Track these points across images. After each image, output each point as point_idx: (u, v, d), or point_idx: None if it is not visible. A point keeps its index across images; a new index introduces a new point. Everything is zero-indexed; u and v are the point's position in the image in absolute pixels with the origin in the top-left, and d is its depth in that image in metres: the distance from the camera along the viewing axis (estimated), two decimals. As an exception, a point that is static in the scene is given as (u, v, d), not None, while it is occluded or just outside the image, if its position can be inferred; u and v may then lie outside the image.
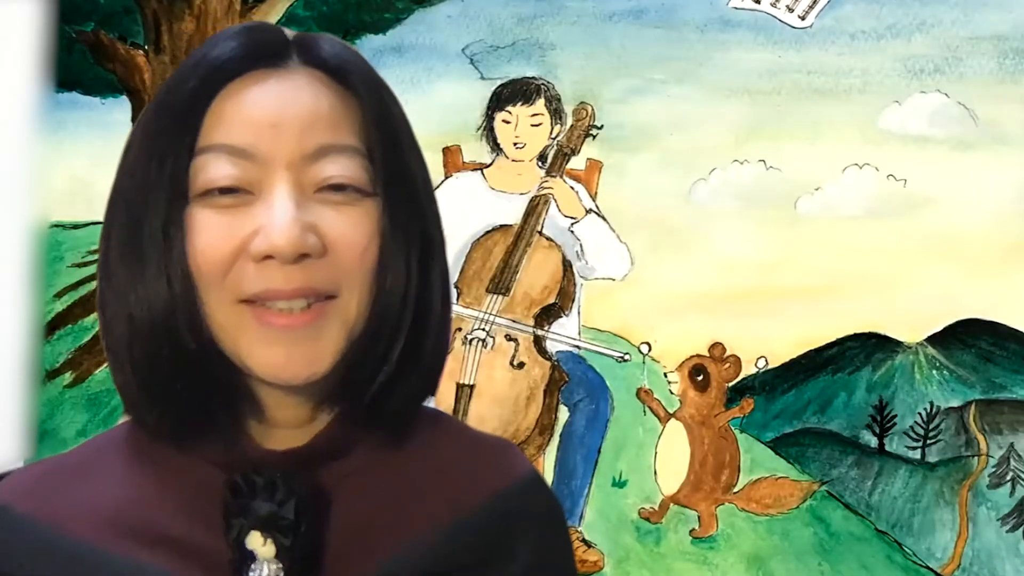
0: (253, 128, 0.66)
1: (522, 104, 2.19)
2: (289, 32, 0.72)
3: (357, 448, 0.72)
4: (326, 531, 0.68)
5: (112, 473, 0.71)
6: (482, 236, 2.19)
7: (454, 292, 2.18)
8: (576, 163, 2.19)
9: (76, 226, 2.27)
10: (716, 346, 2.12)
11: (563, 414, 2.17)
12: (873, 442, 2.08)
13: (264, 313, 0.65)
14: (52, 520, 0.68)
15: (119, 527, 0.68)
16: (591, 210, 2.18)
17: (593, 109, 2.17)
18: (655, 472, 2.13)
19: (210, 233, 0.65)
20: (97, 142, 2.26)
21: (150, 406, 0.68)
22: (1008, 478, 2.04)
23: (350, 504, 0.70)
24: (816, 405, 2.11)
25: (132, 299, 0.66)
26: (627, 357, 2.15)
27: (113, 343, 0.68)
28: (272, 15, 2.25)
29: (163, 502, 0.69)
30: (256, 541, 0.65)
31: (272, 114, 0.66)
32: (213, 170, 0.65)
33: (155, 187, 0.66)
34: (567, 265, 2.19)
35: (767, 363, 2.11)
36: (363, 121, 0.69)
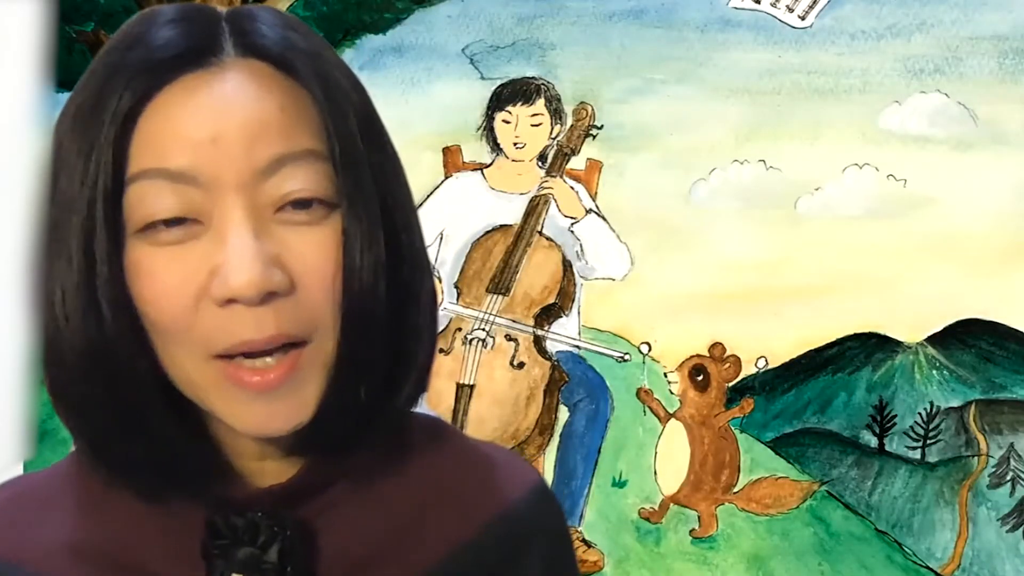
0: (191, 146, 0.56)
1: (522, 104, 2.19)
2: (223, 10, 0.62)
3: (346, 473, 0.65)
4: (317, 568, 0.63)
5: (83, 501, 0.65)
6: (482, 236, 2.19)
7: (454, 292, 2.18)
8: (576, 163, 2.19)
9: (76, 226, 2.27)
10: (716, 346, 2.12)
11: (563, 414, 2.17)
12: (873, 442, 2.08)
13: (237, 371, 0.58)
14: (11, 555, 0.63)
15: (90, 563, 0.62)
16: (591, 210, 2.18)
17: (593, 109, 2.17)
18: (655, 472, 2.13)
19: (162, 278, 0.56)
20: (97, 142, 2.26)
21: (110, 462, 0.60)
22: (1008, 478, 2.04)
23: (343, 536, 0.64)
24: (816, 405, 2.11)
25: (65, 345, 0.57)
26: (627, 357, 2.15)
27: (53, 387, 0.60)
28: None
29: (140, 536, 0.63)
30: None
31: (210, 127, 0.56)
32: (152, 202, 0.56)
33: (82, 218, 0.56)
34: (567, 265, 2.19)
35: (767, 363, 2.11)
36: (319, 116, 0.59)
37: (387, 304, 0.60)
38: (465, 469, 0.72)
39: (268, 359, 0.58)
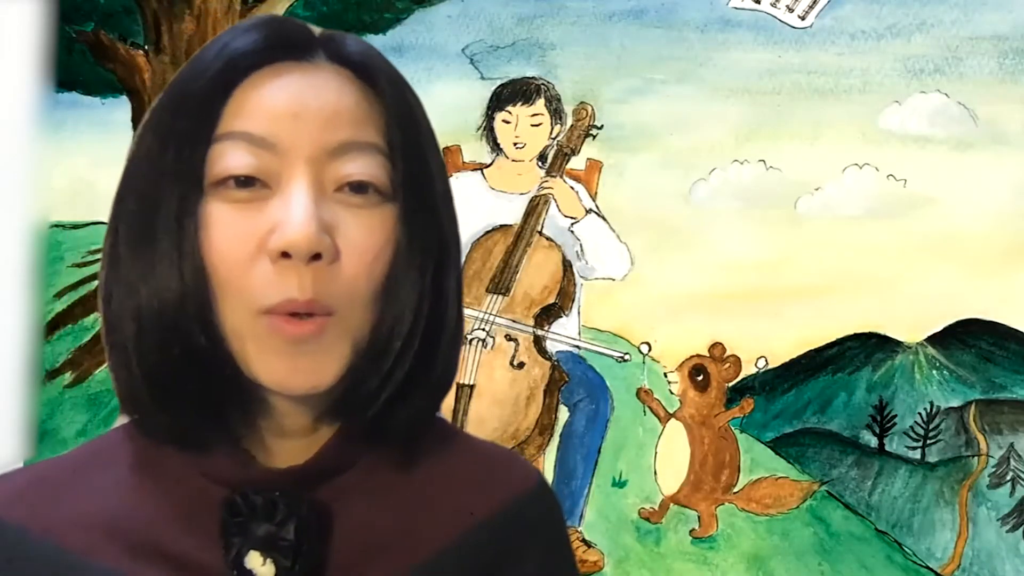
0: (275, 118, 0.63)
1: (522, 104, 2.19)
2: (315, 28, 0.70)
3: (360, 462, 0.69)
4: (329, 550, 0.66)
5: (108, 481, 0.68)
6: (482, 236, 2.19)
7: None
8: (576, 163, 2.19)
9: (76, 226, 2.27)
10: (716, 346, 2.12)
11: (563, 414, 2.17)
12: (873, 442, 2.08)
13: (278, 322, 0.63)
14: (42, 529, 0.65)
15: (114, 539, 0.65)
16: (591, 210, 2.18)
17: (593, 109, 2.17)
18: (655, 472, 2.13)
19: (227, 230, 0.63)
20: (97, 142, 2.26)
21: (156, 407, 0.65)
22: (1008, 478, 2.04)
23: (354, 521, 0.68)
24: (816, 405, 2.11)
25: (142, 292, 0.63)
26: (627, 357, 2.15)
27: (118, 339, 0.65)
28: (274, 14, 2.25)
29: (162, 515, 0.66)
30: (255, 561, 0.63)
31: (295, 105, 0.64)
32: (231, 158, 0.63)
33: (169, 175, 0.63)
34: (567, 265, 2.19)
35: (767, 363, 2.11)
36: (386, 120, 0.67)
37: (430, 298, 0.67)
38: (470, 465, 0.76)
39: (304, 316, 0.63)
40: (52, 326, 2.29)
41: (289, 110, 0.64)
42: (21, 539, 0.65)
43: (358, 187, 0.65)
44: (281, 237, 0.62)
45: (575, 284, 2.19)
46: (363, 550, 0.67)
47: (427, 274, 0.67)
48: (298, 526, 0.64)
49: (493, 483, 0.75)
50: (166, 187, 0.63)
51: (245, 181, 0.63)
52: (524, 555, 0.73)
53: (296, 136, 0.63)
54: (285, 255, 0.62)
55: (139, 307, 0.63)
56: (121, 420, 0.70)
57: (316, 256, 0.62)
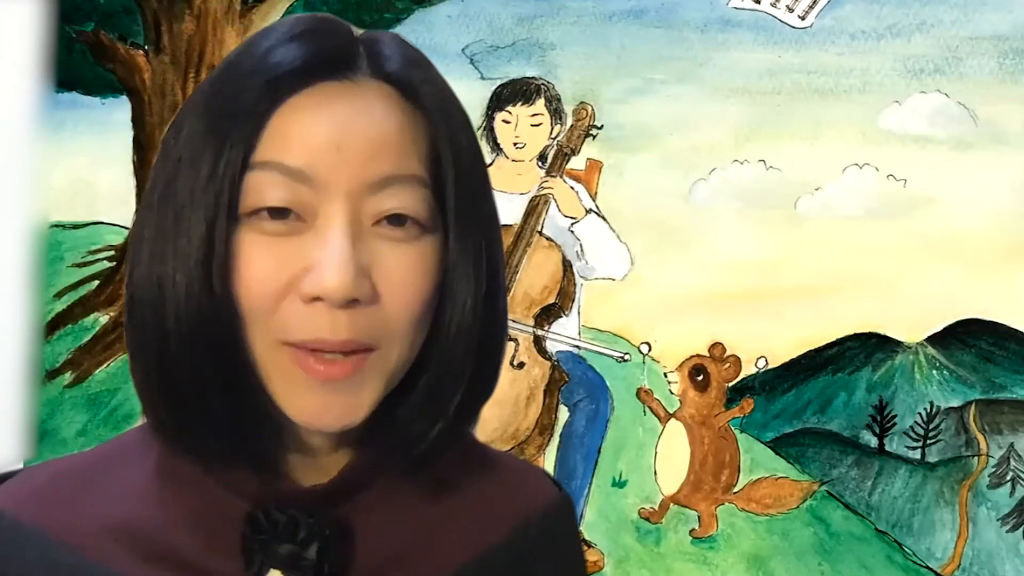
0: (315, 150, 0.60)
1: (522, 104, 2.19)
2: (356, 30, 0.66)
3: (381, 477, 0.68)
4: (351, 568, 0.65)
5: (126, 485, 0.66)
6: (482, 236, 2.19)
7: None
8: (576, 163, 2.19)
9: (76, 226, 2.27)
10: (716, 346, 2.12)
11: (563, 414, 2.17)
12: (873, 442, 2.08)
13: (306, 359, 0.61)
14: (57, 532, 0.64)
15: (130, 545, 0.64)
16: (591, 210, 2.18)
17: (593, 109, 2.17)
18: (655, 472, 2.13)
19: (259, 264, 0.60)
20: (97, 142, 2.26)
21: (178, 427, 0.63)
22: (1008, 478, 2.04)
23: (376, 539, 0.67)
24: (816, 405, 2.11)
25: (168, 314, 0.61)
26: (627, 357, 2.15)
27: (141, 354, 0.63)
28: (272, 15, 2.25)
29: (181, 524, 0.65)
30: None
31: (336, 136, 0.60)
32: (267, 191, 0.60)
33: (201, 198, 0.60)
34: (567, 265, 2.19)
35: (767, 363, 2.11)
36: (431, 147, 0.64)
37: (479, 330, 0.65)
38: (489, 479, 0.75)
39: (338, 355, 0.61)
40: (52, 326, 2.29)
41: (331, 142, 0.60)
42: (38, 541, 0.64)
43: (396, 219, 0.62)
44: (317, 283, 0.59)
45: (575, 284, 2.19)
46: (385, 566, 0.67)
47: (479, 303, 0.65)
48: (320, 547, 0.63)
49: (515, 497, 0.75)
50: (197, 209, 0.60)
51: (279, 212, 0.61)
52: (543, 567, 0.74)
53: (336, 170, 0.60)
54: (318, 298, 0.60)
55: (164, 329, 0.61)
56: (143, 419, 0.68)
57: (353, 301, 0.60)
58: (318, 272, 0.59)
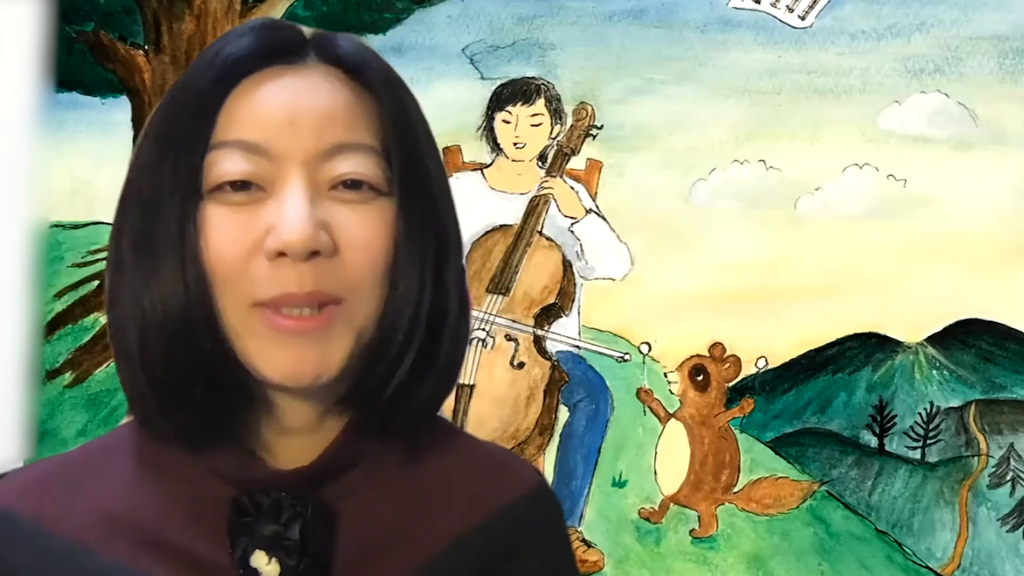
0: (268, 125, 0.65)
1: (522, 104, 2.19)
2: (307, 30, 0.70)
3: (364, 461, 0.70)
4: (334, 549, 0.67)
5: (116, 477, 0.69)
6: (482, 236, 2.19)
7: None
8: (576, 163, 2.19)
9: (76, 226, 2.27)
10: (716, 346, 2.12)
11: (563, 414, 2.17)
12: (873, 442, 2.08)
13: (275, 316, 0.64)
14: (51, 523, 0.66)
15: (122, 533, 0.66)
16: (591, 210, 2.18)
17: (593, 109, 2.17)
18: (655, 472, 2.13)
19: (223, 232, 0.64)
20: (97, 142, 2.26)
21: (163, 411, 0.66)
22: (1008, 478, 2.04)
23: (358, 520, 0.69)
24: (816, 405, 2.12)
25: (146, 300, 0.64)
26: (627, 357, 2.15)
27: (124, 345, 0.66)
28: (272, 15, 2.25)
29: (169, 511, 0.67)
30: (261, 560, 0.64)
31: (287, 111, 0.65)
32: (226, 165, 0.64)
33: (169, 184, 0.64)
34: (567, 265, 2.19)
35: (767, 363, 2.11)
36: (380, 120, 0.68)
37: (431, 291, 0.68)
38: (472, 465, 0.76)
39: (305, 309, 0.64)
40: (52, 326, 2.29)
41: (282, 116, 0.65)
42: (33, 531, 0.66)
43: (352, 184, 0.66)
44: (276, 237, 0.63)
45: (575, 284, 2.19)
46: (367, 548, 0.68)
47: (427, 267, 0.68)
48: (303, 526, 0.65)
49: (494, 483, 0.76)
50: (166, 195, 0.64)
51: (241, 185, 0.64)
52: (524, 555, 0.74)
53: (290, 141, 0.64)
54: (281, 254, 0.63)
55: (143, 315, 0.65)
56: (129, 417, 0.71)
57: (314, 253, 0.63)
58: (278, 228, 0.63)
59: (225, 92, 0.65)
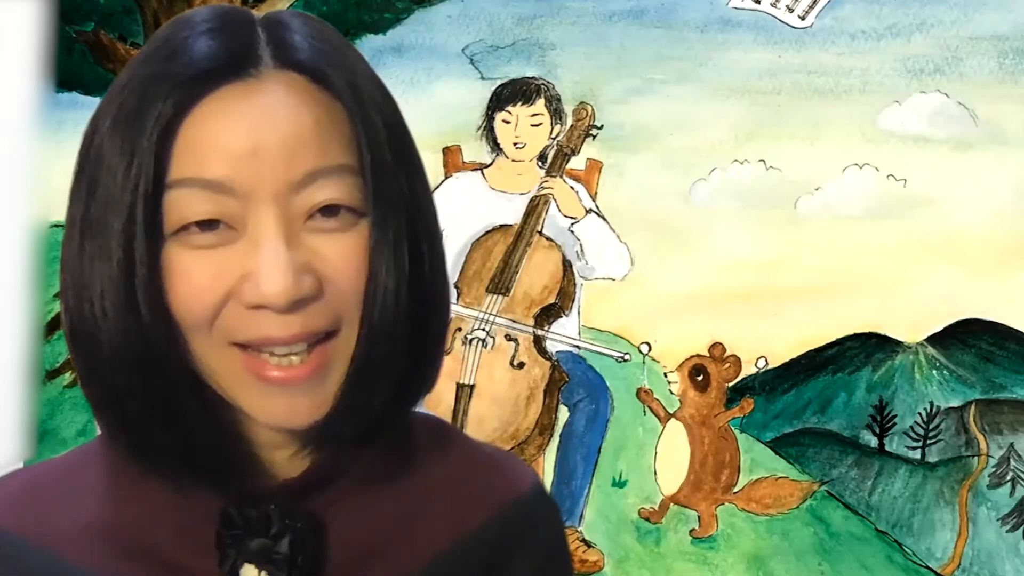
0: (230, 158, 0.58)
1: (522, 104, 2.19)
2: (256, 15, 0.64)
3: (355, 469, 0.68)
4: (325, 560, 0.66)
5: (97, 487, 0.67)
6: (482, 236, 2.19)
7: (454, 292, 2.18)
8: (576, 163, 2.19)
9: (76, 226, 2.27)
10: (716, 346, 2.12)
11: (563, 414, 2.17)
12: (873, 442, 2.08)
13: (261, 366, 0.60)
14: (36, 537, 0.65)
15: (107, 545, 0.64)
16: (591, 210, 2.18)
17: (593, 109, 2.17)
18: (655, 472, 2.13)
19: (193, 277, 0.59)
20: (97, 142, 2.25)
21: (137, 450, 0.63)
22: (1008, 478, 2.04)
23: (348, 530, 0.67)
24: (816, 405, 2.11)
25: (103, 337, 0.59)
26: (627, 357, 2.15)
27: (88, 377, 0.62)
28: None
29: (155, 522, 0.65)
30: (250, 574, 0.63)
31: (250, 140, 0.58)
32: (188, 206, 0.58)
33: (118, 219, 0.58)
34: (567, 265, 2.19)
35: (767, 363, 2.11)
36: (350, 130, 0.62)
37: (409, 310, 0.62)
38: (466, 468, 0.74)
39: (294, 357, 0.60)
40: (52, 326, 2.29)
41: (245, 148, 0.58)
42: (17, 548, 0.65)
43: (328, 210, 0.60)
44: (255, 290, 0.58)
45: (575, 284, 2.19)
46: (358, 558, 0.67)
47: (402, 289, 0.62)
48: (292, 539, 0.63)
49: (490, 486, 0.74)
50: (113, 231, 0.58)
51: (208, 224, 0.59)
52: (520, 559, 0.73)
53: (257, 176, 0.58)
54: (262, 307, 0.59)
55: (100, 356, 0.60)
56: None
57: (299, 301, 0.59)
58: (256, 281, 0.58)
59: (178, 119, 0.58)
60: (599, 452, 2.14)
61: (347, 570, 0.67)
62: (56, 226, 2.28)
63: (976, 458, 2.05)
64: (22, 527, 0.65)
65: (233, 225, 0.59)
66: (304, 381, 0.61)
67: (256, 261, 0.58)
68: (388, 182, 0.62)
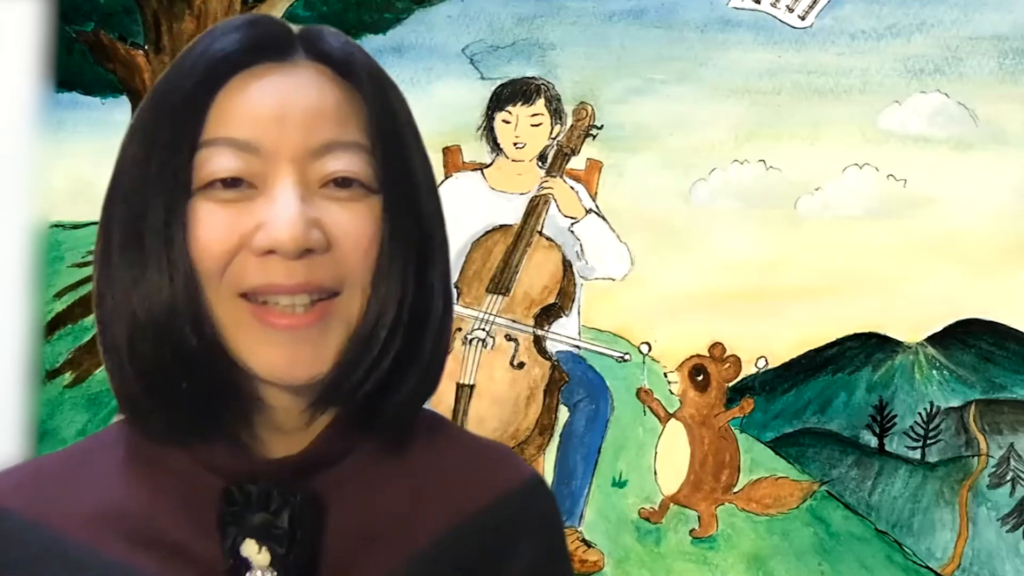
0: (258, 122, 0.65)
1: (522, 104, 2.19)
2: (294, 26, 0.71)
3: (354, 454, 0.71)
4: (323, 539, 0.68)
5: (107, 474, 0.70)
6: (482, 236, 2.19)
7: (454, 292, 2.18)
8: (576, 163, 2.19)
9: (76, 226, 2.27)
10: (716, 346, 2.12)
11: (563, 414, 2.17)
12: (873, 442, 2.08)
13: (266, 312, 0.64)
14: (44, 520, 0.67)
15: (114, 529, 0.66)
16: (591, 210, 2.18)
17: (593, 109, 2.17)
18: (655, 472, 2.13)
19: (211, 226, 0.64)
20: (97, 142, 2.25)
21: (152, 407, 0.66)
22: (1008, 478, 2.04)
23: (348, 511, 0.69)
24: (816, 405, 2.11)
25: (134, 297, 0.64)
26: (627, 357, 2.15)
27: (112, 342, 0.66)
28: (272, 15, 2.25)
29: (160, 506, 0.67)
30: (251, 549, 0.65)
31: (277, 108, 0.65)
32: (216, 163, 0.64)
33: (156, 181, 0.64)
34: (567, 265, 2.19)
35: (767, 363, 2.11)
36: (368, 118, 0.68)
37: (414, 288, 0.68)
38: (466, 457, 0.77)
39: (298, 307, 0.64)
40: (52, 326, 2.29)
41: (272, 113, 0.65)
42: (25, 528, 0.67)
43: (343, 182, 0.66)
44: (267, 235, 0.63)
45: (575, 284, 2.19)
46: (357, 539, 0.69)
47: (410, 266, 0.68)
48: (292, 515, 0.65)
49: (485, 476, 0.76)
50: (153, 194, 0.64)
51: (231, 182, 0.64)
52: (517, 548, 0.74)
53: (280, 139, 0.64)
54: (271, 252, 0.63)
55: (131, 312, 0.65)
56: (119, 417, 0.71)
57: (307, 251, 0.64)
58: (268, 227, 0.63)
59: (214, 89, 0.65)
60: (599, 452, 2.14)
61: (346, 552, 0.68)
62: (56, 226, 2.28)
63: (976, 458, 2.05)
64: (30, 510, 0.67)
65: (254, 183, 0.65)
66: (306, 330, 0.64)
67: (271, 210, 0.64)
68: (399, 159, 0.69)
